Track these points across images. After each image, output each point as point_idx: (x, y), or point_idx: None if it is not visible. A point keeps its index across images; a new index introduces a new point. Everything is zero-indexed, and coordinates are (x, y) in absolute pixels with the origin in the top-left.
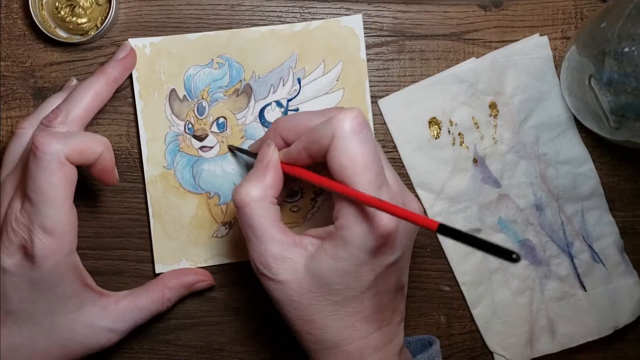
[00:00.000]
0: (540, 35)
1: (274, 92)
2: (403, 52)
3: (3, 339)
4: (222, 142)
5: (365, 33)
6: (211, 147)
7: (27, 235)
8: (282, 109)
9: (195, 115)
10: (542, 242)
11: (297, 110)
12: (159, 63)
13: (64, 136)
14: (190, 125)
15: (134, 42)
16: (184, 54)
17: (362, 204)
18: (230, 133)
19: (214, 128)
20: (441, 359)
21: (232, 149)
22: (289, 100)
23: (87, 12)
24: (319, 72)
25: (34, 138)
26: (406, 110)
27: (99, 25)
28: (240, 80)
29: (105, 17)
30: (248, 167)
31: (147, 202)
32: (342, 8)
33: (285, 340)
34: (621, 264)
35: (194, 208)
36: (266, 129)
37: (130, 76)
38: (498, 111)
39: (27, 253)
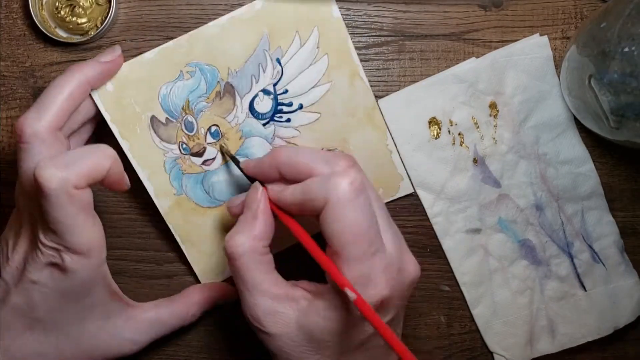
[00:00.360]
0: (540, 35)
1: (256, 82)
2: (403, 52)
3: (31, 345)
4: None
5: (365, 33)
6: (213, 159)
7: (57, 256)
8: (271, 96)
9: (186, 134)
10: (542, 242)
11: (286, 92)
12: (127, 94)
13: (65, 164)
14: (184, 145)
15: None
16: (149, 76)
17: (372, 251)
18: (227, 138)
19: (209, 138)
20: None
21: (226, 154)
22: (274, 85)
23: (87, 12)
24: (296, 45)
25: (35, 174)
26: (406, 110)
27: (99, 25)
28: (218, 82)
29: (105, 17)
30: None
31: (172, 232)
32: (342, 8)
33: None
34: (621, 264)
35: (218, 220)
36: (261, 122)
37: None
38: (498, 111)
39: (58, 267)
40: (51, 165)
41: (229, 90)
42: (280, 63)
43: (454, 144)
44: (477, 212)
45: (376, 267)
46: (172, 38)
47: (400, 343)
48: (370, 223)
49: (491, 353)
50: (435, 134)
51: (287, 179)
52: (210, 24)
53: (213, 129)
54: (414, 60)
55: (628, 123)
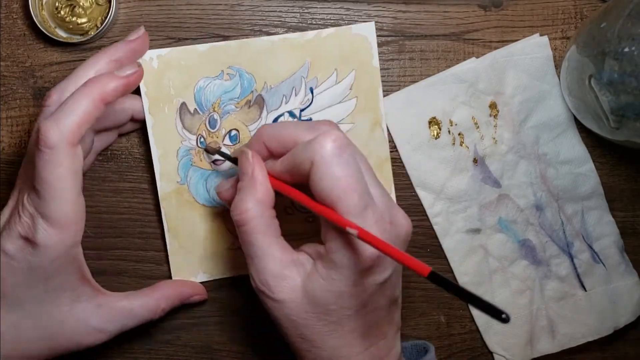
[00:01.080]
0: (540, 35)
1: (286, 103)
2: (403, 52)
3: None
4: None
5: None
6: (224, 161)
7: (31, 223)
8: (295, 119)
9: (207, 129)
10: (542, 242)
11: (310, 119)
12: (168, 76)
13: (62, 117)
14: (202, 139)
15: None
16: (194, 66)
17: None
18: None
19: (227, 141)
20: None
21: (210, 151)
22: (301, 110)
23: (87, 12)
24: (332, 81)
25: (38, 126)
26: (406, 110)
27: (99, 25)
28: (252, 91)
29: (105, 17)
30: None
31: (162, 218)
32: (342, 8)
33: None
34: (621, 264)
35: (209, 221)
36: None
37: (139, 90)
38: (498, 111)
39: (29, 240)
40: (52, 121)
41: (259, 102)
42: (312, 92)
43: (454, 144)
44: (477, 212)
45: (369, 220)
46: (172, 38)
47: (412, 258)
48: (358, 177)
49: (491, 353)
50: (435, 134)
51: (275, 155)
52: (265, 37)
53: (233, 132)
54: (414, 60)
55: (628, 123)
